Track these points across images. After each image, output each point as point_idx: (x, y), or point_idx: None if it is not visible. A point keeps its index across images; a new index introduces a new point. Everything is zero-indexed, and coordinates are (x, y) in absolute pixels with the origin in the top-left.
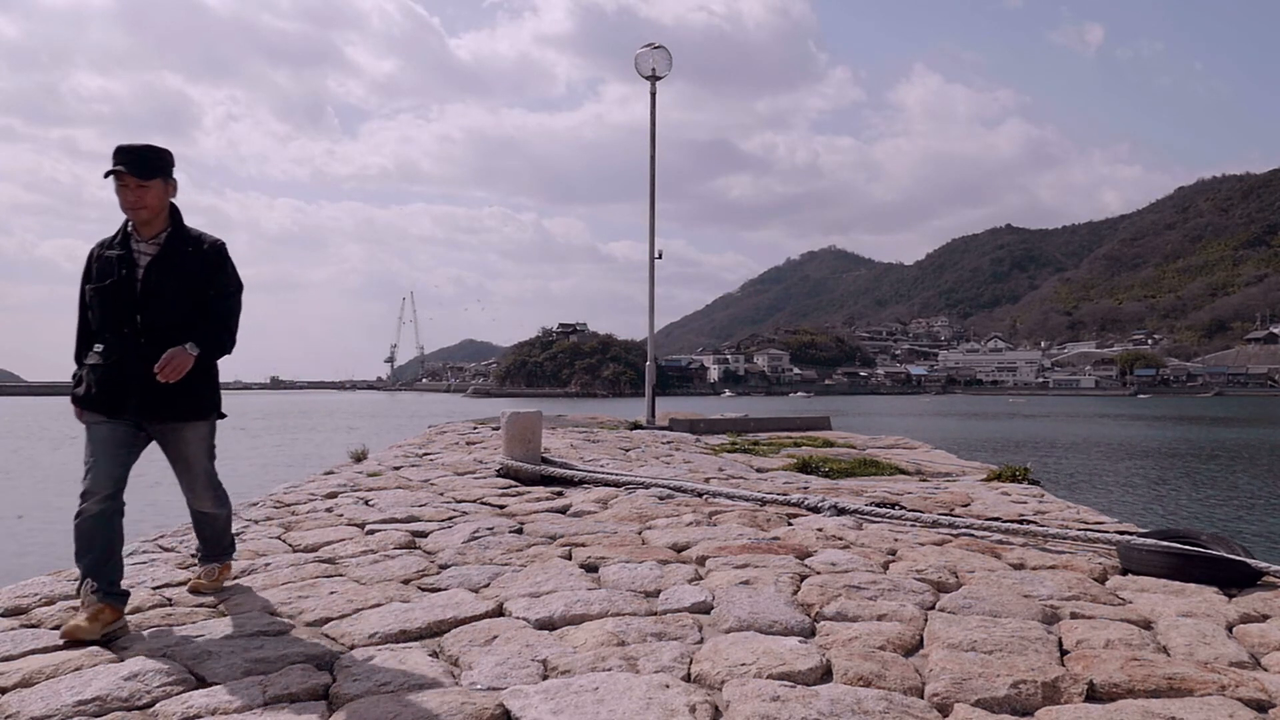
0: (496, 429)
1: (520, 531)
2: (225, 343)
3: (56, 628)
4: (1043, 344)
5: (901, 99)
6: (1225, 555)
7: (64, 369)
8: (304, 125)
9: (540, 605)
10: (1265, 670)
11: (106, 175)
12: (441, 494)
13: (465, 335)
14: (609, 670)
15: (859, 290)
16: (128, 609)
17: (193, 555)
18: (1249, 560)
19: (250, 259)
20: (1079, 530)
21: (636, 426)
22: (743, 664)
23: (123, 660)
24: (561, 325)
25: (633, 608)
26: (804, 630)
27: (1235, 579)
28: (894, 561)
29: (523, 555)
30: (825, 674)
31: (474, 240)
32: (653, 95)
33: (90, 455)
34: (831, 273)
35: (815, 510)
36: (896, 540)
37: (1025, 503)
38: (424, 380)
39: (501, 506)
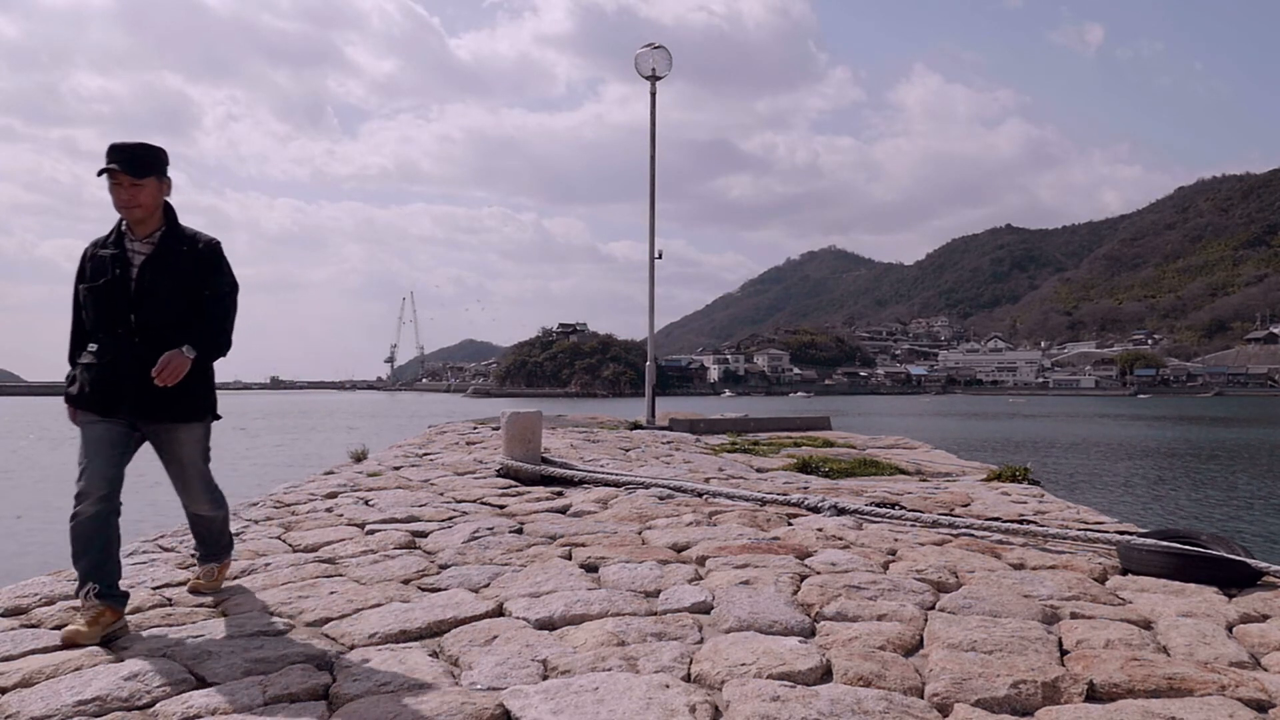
0: (496, 429)
1: (520, 531)
2: (221, 344)
3: (56, 628)
4: (1043, 344)
5: (901, 99)
6: (1225, 555)
7: (64, 369)
8: (304, 125)
9: (540, 605)
10: (1265, 670)
11: (100, 173)
12: (441, 494)
13: (465, 335)
14: (609, 670)
15: (859, 290)
16: (128, 609)
17: (192, 555)
18: (1249, 560)
19: (250, 259)
20: (1079, 530)
21: (636, 426)
22: (743, 664)
23: (122, 660)
24: (561, 325)
25: (633, 608)
26: (804, 630)
27: (1235, 579)
28: (894, 561)
29: (523, 555)
30: (825, 674)
31: (474, 240)
32: (653, 95)
33: (84, 456)
34: (831, 273)
35: (815, 510)
36: (896, 540)
37: (1025, 503)
38: (424, 380)
39: (501, 506)
